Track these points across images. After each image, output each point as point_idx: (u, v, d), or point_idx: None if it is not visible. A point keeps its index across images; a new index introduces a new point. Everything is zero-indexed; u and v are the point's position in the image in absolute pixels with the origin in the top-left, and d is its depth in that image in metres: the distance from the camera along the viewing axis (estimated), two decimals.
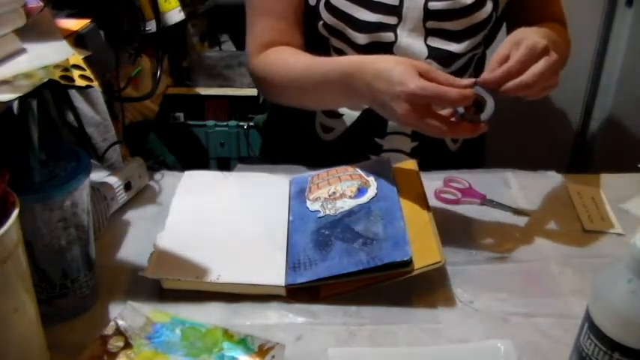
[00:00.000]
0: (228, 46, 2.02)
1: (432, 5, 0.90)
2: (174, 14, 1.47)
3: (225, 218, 0.81)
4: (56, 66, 0.64)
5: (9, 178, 0.54)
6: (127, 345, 0.60)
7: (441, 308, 0.71)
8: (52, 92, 0.90)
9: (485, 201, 0.89)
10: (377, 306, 0.70)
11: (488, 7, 0.91)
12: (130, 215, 0.85)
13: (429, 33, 0.92)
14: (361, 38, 0.91)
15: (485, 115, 0.73)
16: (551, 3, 1.00)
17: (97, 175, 0.84)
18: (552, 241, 0.82)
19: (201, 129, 1.78)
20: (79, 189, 0.63)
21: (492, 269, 0.77)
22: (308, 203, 0.82)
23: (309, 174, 0.88)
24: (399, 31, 0.91)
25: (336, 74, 0.81)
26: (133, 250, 0.78)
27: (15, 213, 0.53)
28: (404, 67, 0.72)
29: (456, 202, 0.89)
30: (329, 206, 0.80)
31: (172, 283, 0.71)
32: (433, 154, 0.97)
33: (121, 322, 0.62)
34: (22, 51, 0.61)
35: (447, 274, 0.75)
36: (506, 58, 0.73)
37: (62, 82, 0.69)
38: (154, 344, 0.60)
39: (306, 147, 1.04)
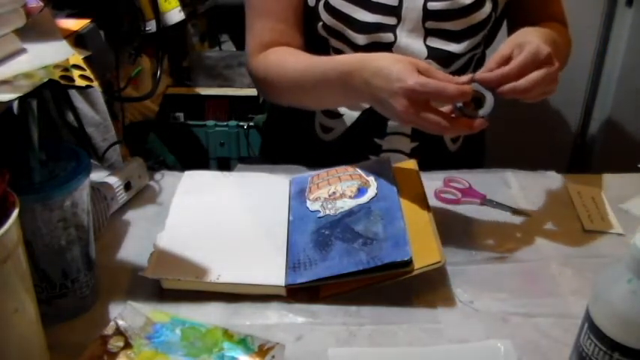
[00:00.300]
0: (228, 46, 2.02)
1: (431, 5, 0.90)
2: (174, 14, 1.47)
3: (225, 218, 0.81)
4: (56, 66, 0.64)
5: (9, 178, 0.54)
6: (127, 345, 0.60)
7: (441, 308, 0.71)
8: (52, 92, 0.90)
9: (485, 201, 0.89)
10: (377, 306, 0.70)
11: (488, 7, 0.91)
12: (130, 215, 0.85)
13: (428, 33, 0.92)
14: (360, 39, 0.91)
15: (484, 111, 0.72)
16: (551, 3, 1.00)
17: (97, 175, 0.84)
18: (552, 241, 0.82)
19: (201, 129, 1.78)
20: (79, 189, 0.63)
21: (492, 269, 0.77)
22: (308, 203, 0.82)
23: (309, 174, 0.88)
24: (398, 31, 0.91)
25: (335, 73, 0.81)
26: (133, 250, 0.78)
27: (15, 213, 0.53)
28: (403, 64, 0.72)
29: (456, 202, 0.89)
30: (329, 206, 0.80)
31: (172, 283, 0.71)
32: (433, 155, 0.97)
33: (121, 322, 0.62)
34: (22, 51, 0.61)
35: (447, 274, 0.75)
36: (506, 59, 0.73)
37: (62, 82, 0.69)
38: (154, 344, 0.60)
39: (306, 147, 1.04)
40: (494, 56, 0.74)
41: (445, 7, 0.90)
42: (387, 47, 0.92)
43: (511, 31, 0.94)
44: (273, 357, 0.60)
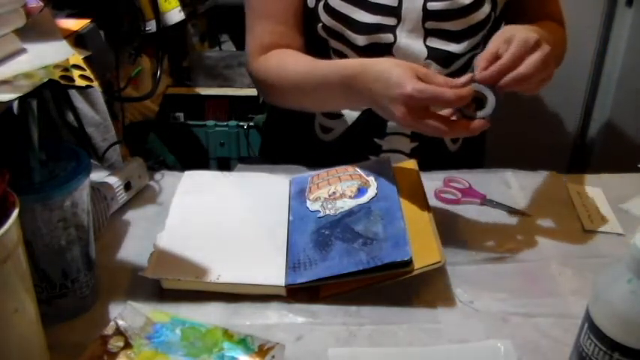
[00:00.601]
0: (228, 46, 2.02)
1: (430, 6, 0.90)
2: (174, 14, 1.47)
3: (225, 218, 0.81)
4: (56, 66, 0.64)
5: (9, 178, 0.54)
6: (127, 345, 0.60)
7: (441, 308, 0.71)
8: (52, 92, 0.90)
9: (485, 201, 0.89)
10: (377, 306, 0.70)
11: (487, 7, 0.91)
12: (130, 215, 0.85)
13: (428, 33, 0.92)
14: (360, 40, 0.91)
15: (484, 112, 0.72)
16: (548, 2, 1.00)
17: (97, 175, 0.84)
18: (552, 241, 0.82)
19: (201, 129, 1.78)
20: (79, 189, 0.63)
21: (492, 269, 0.77)
22: (308, 203, 0.82)
23: (309, 174, 0.88)
24: (398, 32, 0.91)
25: (336, 77, 0.82)
26: (133, 250, 0.78)
27: (15, 213, 0.53)
28: (402, 69, 0.72)
29: (456, 202, 0.89)
30: (329, 206, 0.80)
31: (172, 283, 0.71)
32: (433, 155, 0.97)
33: (121, 322, 0.62)
34: (22, 51, 0.61)
35: (447, 274, 0.75)
36: (494, 56, 0.73)
37: (62, 82, 0.69)
38: (154, 344, 0.60)
39: (306, 147, 1.04)
40: (482, 55, 0.73)
41: (445, 7, 0.90)
42: (387, 48, 0.92)
43: None
44: (273, 357, 0.60)
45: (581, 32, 1.66)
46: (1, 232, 0.51)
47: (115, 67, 1.07)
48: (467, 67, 0.97)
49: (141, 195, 0.89)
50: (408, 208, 0.78)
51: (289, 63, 0.90)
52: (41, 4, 0.65)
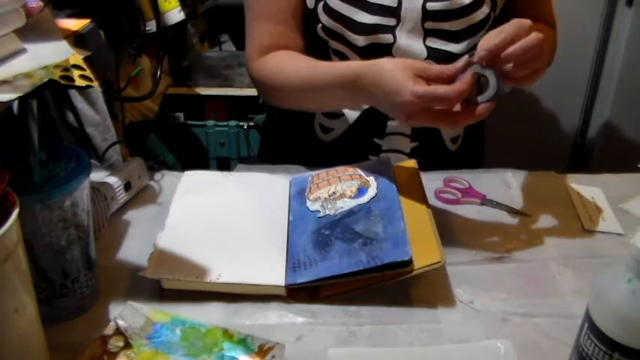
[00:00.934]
0: (228, 46, 2.02)
1: (430, 6, 0.90)
2: (174, 14, 1.47)
3: (225, 218, 0.81)
4: (56, 66, 0.64)
5: (9, 178, 0.54)
6: (127, 345, 0.60)
7: (441, 308, 0.71)
8: (52, 92, 0.90)
9: (485, 201, 0.89)
10: (377, 306, 0.70)
11: (486, 7, 0.92)
12: (130, 215, 0.85)
13: (427, 34, 0.92)
14: (360, 40, 0.91)
15: (487, 95, 0.72)
16: (540, 4, 1.00)
17: (97, 175, 0.84)
18: (552, 241, 0.82)
19: (201, 129, 1.78)
20: (79, 189, 0.63)
21: (492, 269, 0.77)
22: (308, 203, 0.82)
23: (309, 174, 0.88)
24: (397, 32, 0.91)
25: (336, 83, 0.82)
26: (133, 250, 0.78)
27: (15, 213, 0.53)
28: (398, 73, 0.73)
29: (456, 202, 0.89)
30: (329, 206, 0.80)
31: (172, 283, 0.71)
32: (432, 155, 0.97)
33: (121, 322, 0.62)
34: (22, 51, 0.61)
35: (447, 274, 0.75)
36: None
37: (62, 82, 0.69)
38: (154, 344, 0.60)
39: (306, 147, 1.04)
40: (479, 45, 0.73)
41: (444, 7, 0.90)
42: (387, 48, 0.92)
43: None
44: (273, 357, 0.60)
45: (581, 32, 1.66)
46: (1, 232, 0.51)
47: (115, 67, 1.07)
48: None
49: (141, 195, 0.89)
50: (408, 208, 0.78)
51: (288, 66, 0.91)
52: (41, 4, 0.65)
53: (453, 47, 0.93)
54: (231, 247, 0.76)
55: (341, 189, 0.82)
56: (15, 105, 0.69)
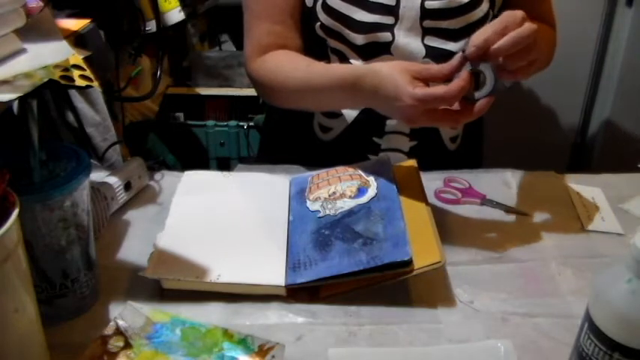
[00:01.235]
0: (228, 46, 2.03)
1: (428, 4, 0.90)
2: (174, 14, 1.48)
3: (225, 218, 0.81)
4: (56, 66, 0.64)
5: (9, 178, 0.54)
6: (127, 345, 0.60)
7: (441, 308, 0.71)
8: (52, 92, 0.90)
9: (485, 201, 0.89)
10: (377, 306, 0.70)
11: (485, 5, 0.92)
12: (130, 215, 0.85)
13: (426, 32, 0.92)
14: (359, 39, 0.91)
15: (485, 90, 0.72)
16: (540, 3, 1.00)
17: (97, 175, 0.84)
18: (552, 241, 0.82)
19: (201, 129, 1.78)
20: (79, 189, 0.63)
21: (492, 269, 0.77)
22: (308, 203, 0.82)
23: (309, 174, 0.88)
24: (396, 30, 0.91)
25: (337, 83, 0.83)
26: (133, 250, 0.78)
27: (15, 213, 0.53)
28: (397, 76, 0.74)
29: (456, 202, 0.89)
30: (329, 206, 0.80)
31: (172, 283, 0.71)
32: (432, 154, 0.97)
33: (121, 322, 0.62)
34: (22, 51, 0.61)
35: (447, 274, 0.75)
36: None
37: (62, 82, 0.69)
38: (154, 344, 0.60)
39: (305, 147, 1.04)
40: (470, 41, 0.73)
41: (442, 5, 0.90)
42: (386, 47, 0.92)
43: None
44: (273, 357, 0.60)
45: (581, 32, 1.66)
46: (1, 232, 0.51)
47: (115, 67, 1.07)
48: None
49: (141, 195, 0.89)
50: (408, 208, 0.78)
51: (287, 66, 0.91)
52: (41, 4, 0.65)
53: (451, 46, 0.93)
54: (231, 247, 0.76)
55: (341, 189, 0.82)
56: (15, 105, 0.69)
